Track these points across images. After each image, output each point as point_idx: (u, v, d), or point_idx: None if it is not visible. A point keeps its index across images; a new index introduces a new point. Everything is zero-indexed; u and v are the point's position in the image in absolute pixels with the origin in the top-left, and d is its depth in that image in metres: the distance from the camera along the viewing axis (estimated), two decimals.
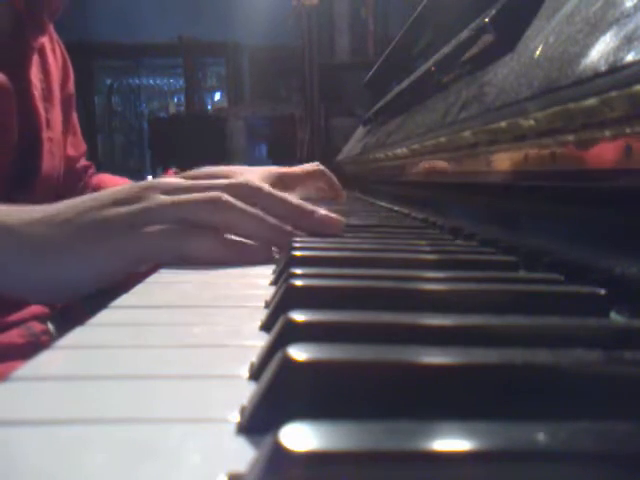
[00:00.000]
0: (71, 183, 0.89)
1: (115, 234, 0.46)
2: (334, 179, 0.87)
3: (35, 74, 0.76)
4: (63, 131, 0.84)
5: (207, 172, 0.65)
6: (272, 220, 0.51)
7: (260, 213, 0.50)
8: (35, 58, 0.77)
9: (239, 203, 0.49)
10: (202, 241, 0.47)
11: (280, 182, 0.74)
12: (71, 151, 0.90)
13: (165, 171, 1.03)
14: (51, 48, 0.84)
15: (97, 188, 0.90)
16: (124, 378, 0.23)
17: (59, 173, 0.81)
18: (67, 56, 0.89)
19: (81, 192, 0.81)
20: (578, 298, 0.31)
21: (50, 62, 0.82)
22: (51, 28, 0.82)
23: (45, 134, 0.76)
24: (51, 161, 0.78)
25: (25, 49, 0.75)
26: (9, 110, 0.70)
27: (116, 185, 0.90)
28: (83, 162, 0.96)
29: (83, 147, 0.96)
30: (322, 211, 0.55)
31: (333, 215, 0.55)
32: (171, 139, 3.72)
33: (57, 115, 0.81)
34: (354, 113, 3.18)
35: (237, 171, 0.67)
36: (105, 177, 1.00)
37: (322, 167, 0.72)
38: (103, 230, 0.46)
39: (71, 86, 0.90)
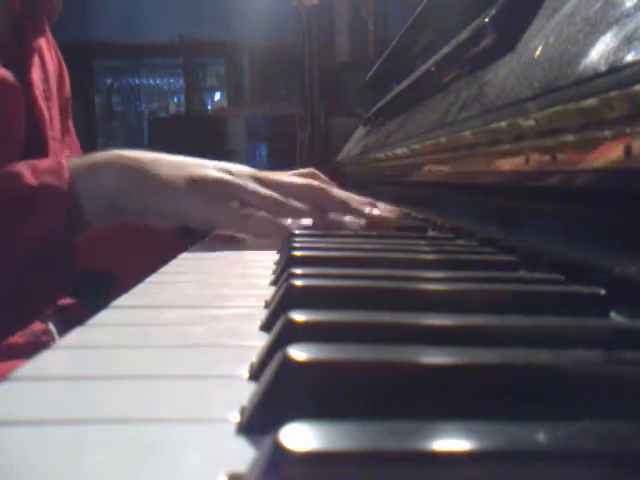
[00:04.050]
0: None
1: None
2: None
3: (36, 74, 0.76)
4: (61, 132, 0.84)
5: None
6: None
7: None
8: (35, 59, 0.77)
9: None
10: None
11: None
12: (67, 152, 0.90)
13: None
14: (47, 49, 0.84)
15: None
16: (124, 378, 0.23)
17: None
18: (62, 61, 0.89)
19: None
20: (578, 298, 0.31)
21: (48, 63, 0.82)
22: (48, 32, 0.82)
23: (49, 133, 0.76)
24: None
25: (26, 50, 0.75)
26: (17, 108, 0.70)
27: None
28: None
29: (78, 147, 0.95)
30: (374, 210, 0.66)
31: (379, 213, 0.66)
32: (171, 139, 3.71)
33: (57, 115, 0.81)
34: (354, 113, 3.18)
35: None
36: None
37: (317, 173, 0.73)
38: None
39: (67, 91, 0.90)
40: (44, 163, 0.57)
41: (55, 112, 0.81)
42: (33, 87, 0.74)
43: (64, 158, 0.60)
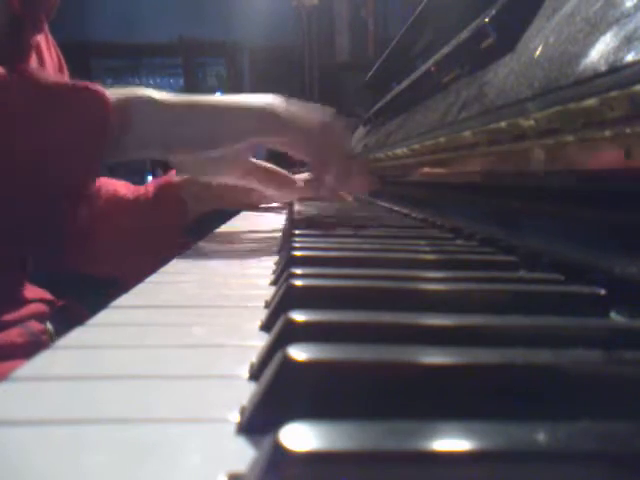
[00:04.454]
0: None
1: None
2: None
3: None
4: None
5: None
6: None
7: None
8: (33, 56, 0.77)
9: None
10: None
11: None
12: None
13: (165, 171, 1.02)
14: (46, 46, 0.84)
15: (96, 191, 0.89)
16: (124, 378, 0.23)
17: None
18: (62, 59, 0.89)
19: None
20: (578, 298, 0.31)
21: (46, 60, 0.82)
22: (46, 29, 0.82)
23: None
24: None
25: (23, 47, 0.75)
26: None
27: (115, 189, 0.90)
28: None
29: None
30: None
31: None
32: None
33: None
34: (354, 113, 3.18)
35: None
36: (104, 180, 1.00)
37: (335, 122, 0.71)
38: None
39: None
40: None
41: None
42: None
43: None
